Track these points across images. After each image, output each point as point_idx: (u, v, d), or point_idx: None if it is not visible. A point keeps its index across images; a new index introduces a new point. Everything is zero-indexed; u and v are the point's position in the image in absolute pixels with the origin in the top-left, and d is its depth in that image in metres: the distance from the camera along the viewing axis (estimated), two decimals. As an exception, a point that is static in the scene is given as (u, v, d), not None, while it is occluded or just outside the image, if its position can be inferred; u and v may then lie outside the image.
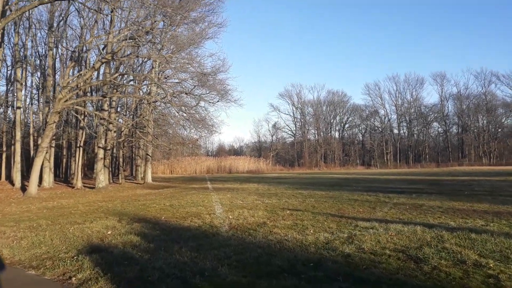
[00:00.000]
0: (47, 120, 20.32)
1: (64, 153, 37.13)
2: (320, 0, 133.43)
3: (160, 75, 29.69)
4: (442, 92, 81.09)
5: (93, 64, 21.05)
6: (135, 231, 7.91)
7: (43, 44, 32.07)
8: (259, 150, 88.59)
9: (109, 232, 7.80)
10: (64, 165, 38.13)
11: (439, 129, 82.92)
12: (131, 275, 4.82)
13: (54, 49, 27.45)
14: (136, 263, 5.35)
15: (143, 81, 28.09)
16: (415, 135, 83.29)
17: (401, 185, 22.01)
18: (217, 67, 30.53)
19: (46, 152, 21.30)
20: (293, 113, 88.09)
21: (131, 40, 18.87)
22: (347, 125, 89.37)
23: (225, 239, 6.90)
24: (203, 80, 29.70)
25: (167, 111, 33.45)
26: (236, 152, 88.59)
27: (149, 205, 13.53)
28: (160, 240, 6.92)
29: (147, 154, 32.30)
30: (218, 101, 31.25)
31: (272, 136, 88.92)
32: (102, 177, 24.60)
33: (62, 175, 37.09)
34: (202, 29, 27.98)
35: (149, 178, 31.64)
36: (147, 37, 18.78)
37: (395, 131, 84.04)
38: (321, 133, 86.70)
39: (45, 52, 29.70)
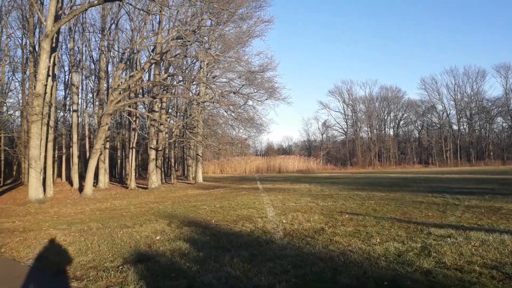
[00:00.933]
0: (100, 122, 20.78)
1: (119, 154, 38.36)
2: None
3: (208, 75, 29.67)
4: (506, 84, 74.67)
5: (143, 66, 21.25)
6: (184, 236, 7.45)
7: (97, 49, 33.41)
8: (308, 149, 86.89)
9: (158, 238, 7.40)
10: (119, 166, 39.41)
11: (504, 124, 76.59)
12: (178, 291, 4.28)
13: (107, 52, 28.28)
14: (184, 276, 4.82)
15: (192, 82, 28.15)
16: (476, 131, 77.60)
17: (468, 185, 20.12)
18: (264, 65, 30.17)
19: (100, 154, 21.83)
20: (344, 111, 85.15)
21: (179, 40, 18.81)
22: (402, 122, 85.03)
23: (280, 248, 6.21)
24: (251, 79, 29.34)
25: (216, 111, 33.47)
26: (285, 151, 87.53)
27: (200, 206, 13.18)
28: (210, 247, 6.38)
29: (197, 154, 32.46)
30: (266, 99, 30.79)
31: (322, 135, 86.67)
32: (155, 177, 24.88)
33: (118, 176, 38.34)
34: (249, 26, 27.62)
35: (200, 178, 31.78)
36: (195, 36, 18.60)
37: (455, 127, 78.91)
38: (374, 130, 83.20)
39: (98, 56, 30.79)
